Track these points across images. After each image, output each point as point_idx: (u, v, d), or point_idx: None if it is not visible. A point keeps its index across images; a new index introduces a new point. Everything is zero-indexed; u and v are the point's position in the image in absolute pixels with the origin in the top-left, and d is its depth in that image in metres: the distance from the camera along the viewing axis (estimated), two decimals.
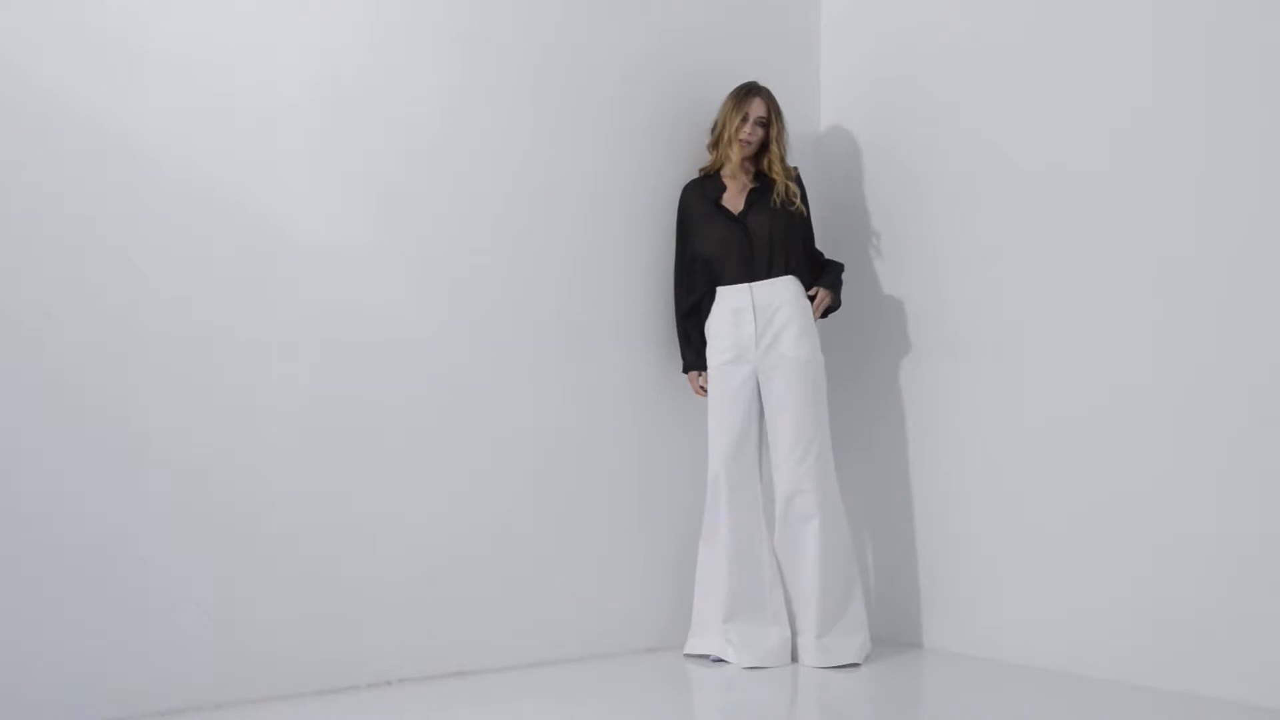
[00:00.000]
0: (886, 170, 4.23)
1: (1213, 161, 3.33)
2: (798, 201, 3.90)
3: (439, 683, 3.44)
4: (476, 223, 3.65)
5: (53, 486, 2.94)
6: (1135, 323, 3.49)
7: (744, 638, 3.73)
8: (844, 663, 3.72)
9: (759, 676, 3.63)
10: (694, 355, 3.93)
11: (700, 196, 3.95)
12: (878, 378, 4.21)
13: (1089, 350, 3.59)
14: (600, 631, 3.84)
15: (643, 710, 3.25)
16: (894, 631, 4.09)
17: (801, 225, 3.93)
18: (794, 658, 3.80)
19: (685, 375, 3.99)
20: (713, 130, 3.98)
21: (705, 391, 3.90)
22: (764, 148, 3.92)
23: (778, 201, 3.87)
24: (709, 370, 3.87)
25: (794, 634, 3.81)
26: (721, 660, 3.75)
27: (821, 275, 3.95)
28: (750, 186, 3.92)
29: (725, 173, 3.94)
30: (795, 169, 3.98)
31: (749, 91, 3.91)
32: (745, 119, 3.87)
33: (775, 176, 3.90)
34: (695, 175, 4.04)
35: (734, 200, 3.90)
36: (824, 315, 3.92)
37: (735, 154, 3.88)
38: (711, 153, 3.98)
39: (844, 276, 4.11)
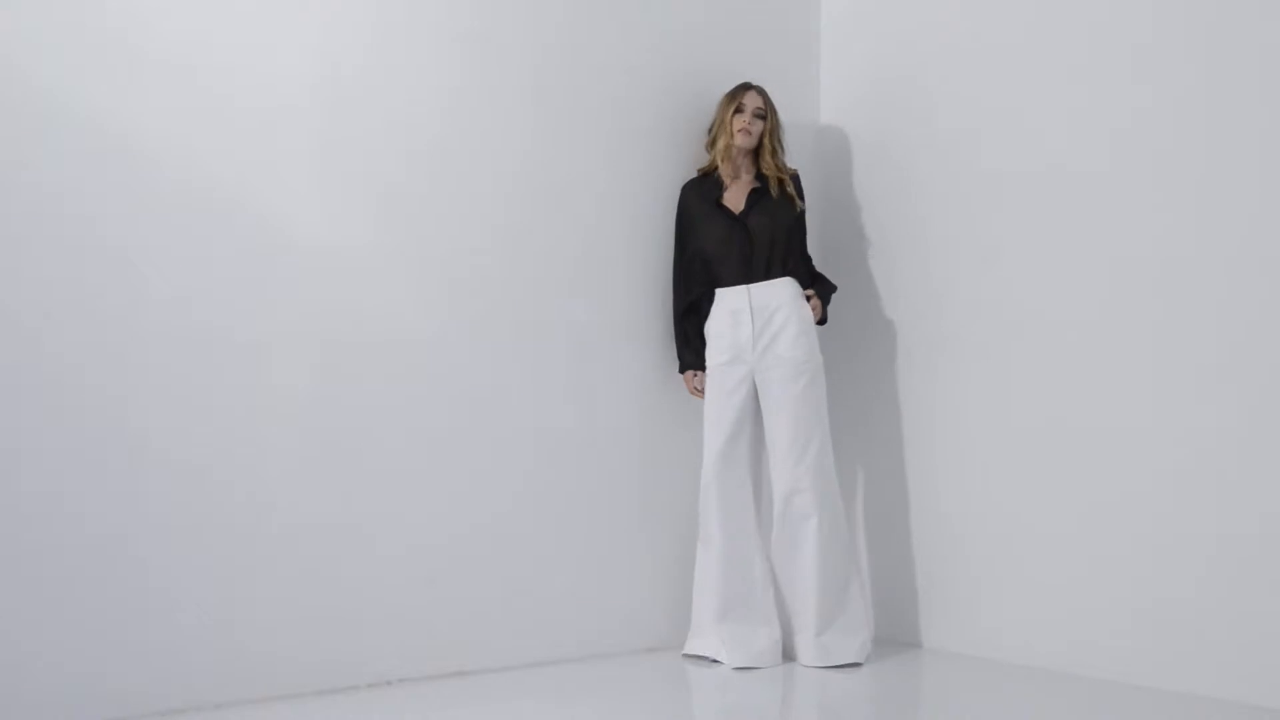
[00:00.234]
0: (887, 170, 4.23)
1: (1212, 162, 3.33)
2: (794, 194, 3.90)
3: (439, 683, 3.44)
4: (476, 223, 3.65)
5: (53, 486, 2.94)
6: (1135, 323, 3.49)
7: (735, 638, 3.73)
8: (844, 662, 3.72)
9: (759, 676, 3.63)
10: (692, 355, 3.93)
11: (700, 195, 3.95)
12: (877, 378, 4.21)
13: (1089, 350, 3.59)
14: (600, 631, 3.84)
15: (642, 710, 3.25)
16: (894, 631, 4.09)
17: (800, 226, 3.93)
18: (792, 658, 3.80)
19: (681, 375, 3.98)
20: (710, 130, 3.99)
21: (700, 392, 3.90)
22: (761, 144, 3.92)
23: (775, 194, 3.87)
24: (707, 371, 3.87)
25: (792, 634, 3.81)
26: (715, 661, 3.75)
27: (817, 285, 3.95)
28: (752, 186, 3.92)
29: (725, 172, 3.94)
30: (795, 171, 3.99)
31: (743, 87, 3.93)
32: (741, 110, 3.88)
33: (770, 171, 3.90)
34: (694, 175, 4.04)
35: (735, 200, 3.90)
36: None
37: (736, 144, 3.86)
38: (710, 152, 3.98)
39: (846, 276, 4.12)
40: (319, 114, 3.37)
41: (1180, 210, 3.40)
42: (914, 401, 4.10)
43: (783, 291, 3.83)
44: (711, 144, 3.96)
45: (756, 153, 3.94)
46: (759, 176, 3.94)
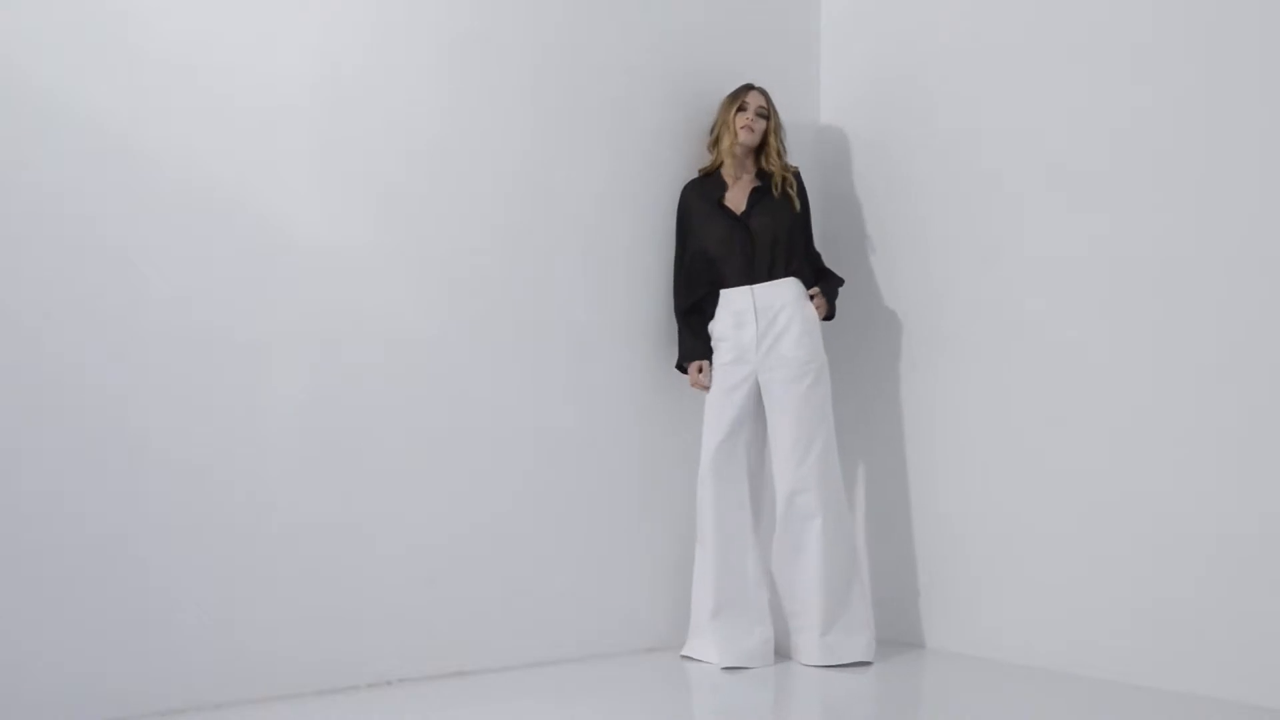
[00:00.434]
0: (887, 170, 4.23)
1: (1212, 162, 3.33)
2: (794, 194, 3.90)
3: (439, 683, 3.44)
4: (476, 223, 3.65)
5: (53, 486, 2.94)
6: (1135, 322, 3.49)
7: (727, 636, 3.73)
8: (849, 661, 3.72)
9: (760, 676, 3.63)
10: (702, 346, 3.87)
11: (701, 195, 3.95)
12: (877, 378, 4.21)
13: (1089, 350, 3.59)
14: (600, 631, 3.84)
15: (642, 710, 3.25)
16: (895, 632, 4.09)
17: (803, 224, 3.93)
18: (787, 656, 3.81)
19: (684, 371, 3.93)
20: (712, 130, 3.99)
21: (704, 385, 3.85)
22: (763, 143, 3.92)
23: (776, 192, 3.87)
24: (712, 368, 3.87)
25: (792, 633, 3.81)
26: (703, 660, 3.73)
27: (820, 282, 3.95)
28: (753, 186, 3.92)
29: (727, 172, 3.94)
30: (795, 169, 3.99)
31: (745, 87, 3.95)
32: (744, 108, 3.89)
33: (772, 170, 3.90)
34: (695, 175, 4.04)
35: (736, 200, 3.90)
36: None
37: (740, 142, 3.86)
38: (712, 152, 3.98)
39: (846, 275, 4.11)
40: (319, 114, 3.37)
41: (1180, 210, 3.40)
42: (914, 401, 4.10)
43: (786, 292, 3.82)
44: (714, 143, 3.97)
45: (758, 152, 3.94)
46: (760, 175, 3.94)
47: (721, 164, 3.95)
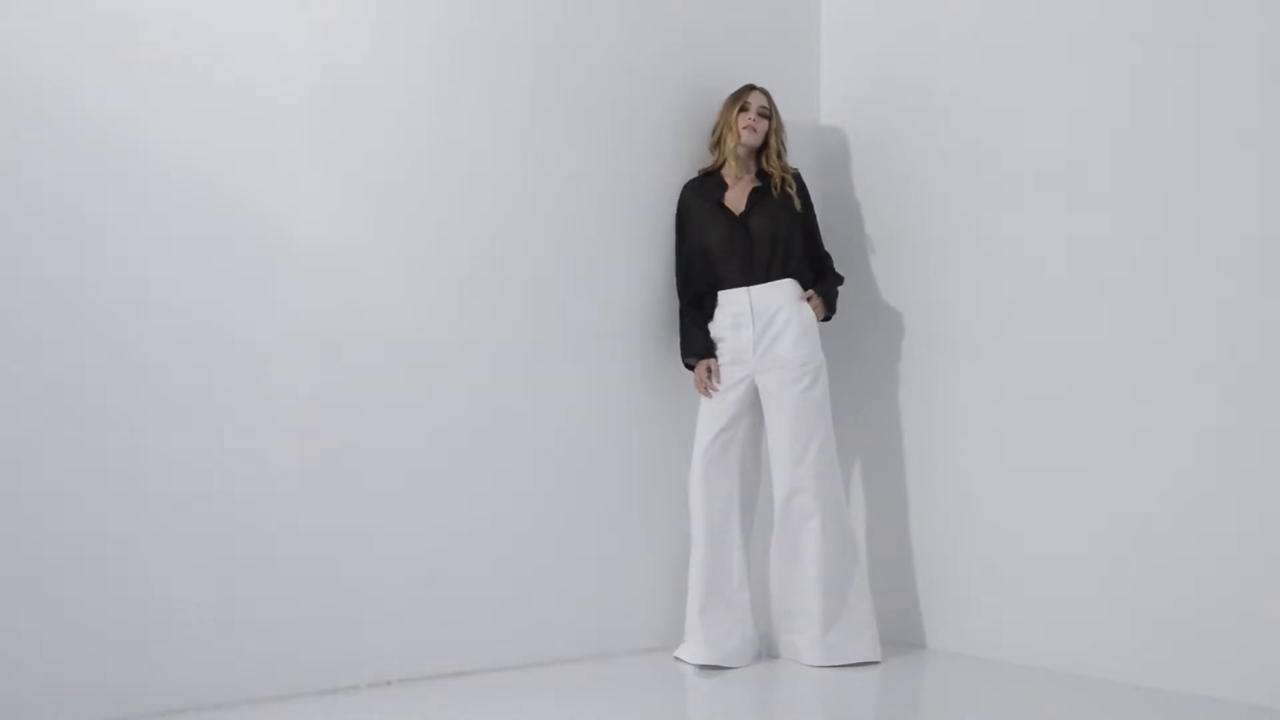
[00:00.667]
0: (886, 169, 4.23)
1: (1212, 162, 3.33)
2: (794, 194, 3.90)
3: (439, 683, 3.44)
4: (476, 223, 3.65)
5: (53, 486, 2.94)
6: (1135, 323, 3.49)
7: (708, 635, 3.72)
8: (855, 661, 3.72)
9: (760, 677, 3.63)
10: (705, 341, 3.85)
11: (701, 194, 3.94)
12: (877, 378, 4.20)
13: (1089, 350, 3.59)
14: (600, 631, 3.84)
15: (642, 711, 3.25)
16: (896, 632, 4.09)
17: (802, 226, 3.93)
18: (788, 656, 3.81)
19: (692, 370, 3.90)
20: (714, 131, 3.99)
21: (709, 386, 3.83)
22: (764, 144, 3.92)
23: (776, 193, 3.87)
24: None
25: (793, 633, 3.81)
26: (688, 661, 3.71)
27: (820, 282, 3.94)
28: (753, 186, 3.92)
29: (728, 172, 3.94)
30: (796, 170, 3.99)
31: (746, 88, 3.94)
32: (746, 108, 3.88)
33: (773, 170, 3.90)
34: (695, 175, 4.03)
35: (736, 200, 3.90)
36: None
37: (743, 142, 3.86)
38: (714, 153, 3.98)
39: (846, 275, 4.11)
40: (319, 114, 3.37)
41: (1180, 211, 3.40)
42: (914, 401, 4.10)
43: (784, 293, 3.82)
44: (716, 144, 3.96)
45: (760, 153, 3.94)
46: (760, 176, 3.94)
47: (723, 164, 3.94)
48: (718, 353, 3.85)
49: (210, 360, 3.17)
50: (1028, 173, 3.78)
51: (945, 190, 4.03)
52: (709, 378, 3.84)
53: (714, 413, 3.82)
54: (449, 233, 3.59)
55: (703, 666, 3.68)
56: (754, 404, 3.84)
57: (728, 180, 3.93)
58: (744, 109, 3.89)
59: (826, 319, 3.92)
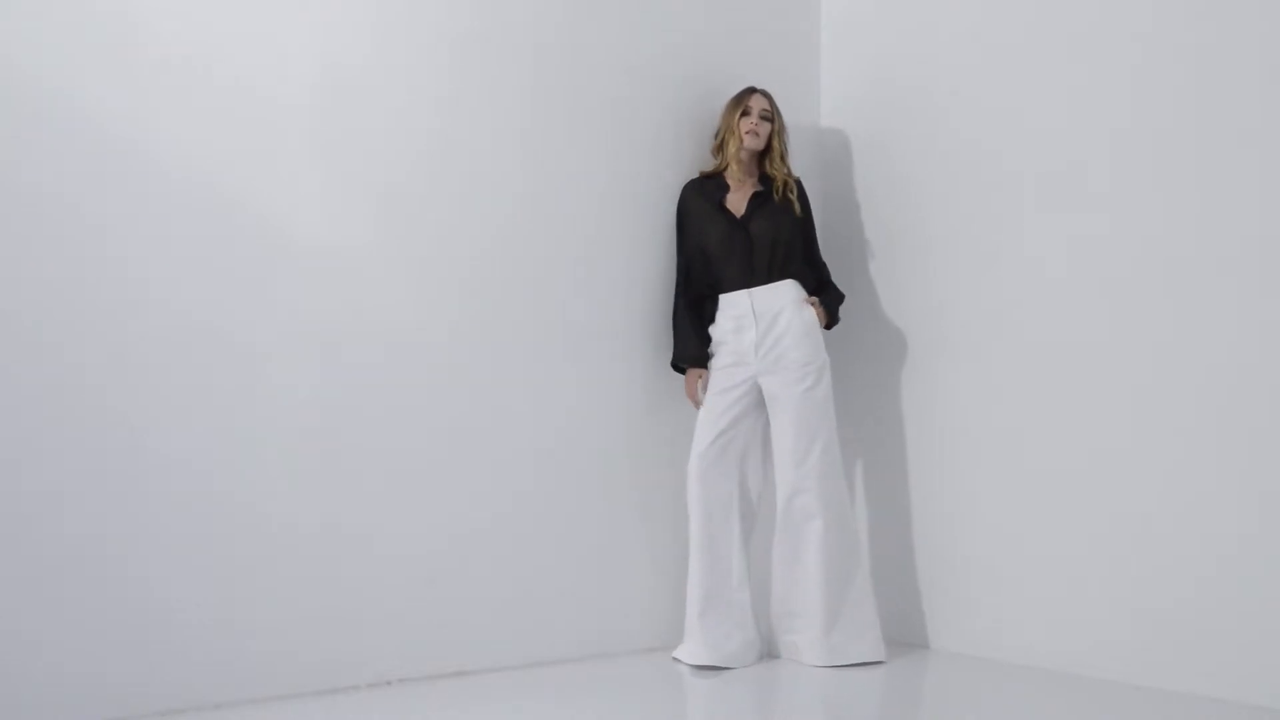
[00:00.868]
0: (887, 170, 4.23)
1: (1212, 162, 3.33)
2: (795, 199, 3.90)
3: (439, 683, 3.44)
4: (476, 223, 3.65)
5: (53, 486, 2.94)
6: (1136, 324, 3.49)
7: (708, 637, 3.71)
8: (859, 661, 3.72)
9: (761, 677, 3.63)
10: (699, 346, 3.86)
11: (701, 194, 3.94)
12: (878, 379, 4.20)
13: (1090, 352, 3.59)
14: (600, 631, 3.84)
15: (641, 710, 3.25)
16: (898, 632, 4.08)
17: (804, 231, 3.93)
18: (790, 656, 3.81)
19: (679, 370, 3.92)
20: (716, 135, 3.98)
21: (697, 398, 3.86)
22: (767, 147, 3.92)
23: (778, 197, 3.87)
24: (710, 373, 3.86)
25: (795, 633, 3.81)
26: (687, 662, 3.71)
27: (822, 292, 3.95)
28: (755, 190, 3.91)
29: (731, 175, 3.93)
30: (798, 179, 3.98)
31: (747, 90, 3.93)
32: (748, 112, 3.88)
33: (775, 173, 3.90)
34: (696, 175, 4.03)
35: (737, 203, 3.90)
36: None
37: (746, 147, 3.85)
38: (717, 157, 3.98)
39: (846, 275, 4.12)
40: (319, 114, 3.37)
41: (1180, 210, 3.40)
42: (915, 402, 4.10)
43: (785, 294, 3.82)
44: (719, 148, 3.95)
45: (762, 156, 3.94)
46: (763, 180, 3.93)
47: (726, 168, 3.94)
48: (720, 354, 3.85)
49: (210, 360, 3.17)
50: (1028, 173, 3.78)
51: (945, 190, 4.03)
52: (697, 384, 3.86)
53: (715, 415, 3.81)
54: (449, 233, 3.59)
55: (701, 667, 3.67)
56: (755, 406, 3.84)
57: (730, 183, 3.93)
58: (745, 113, 3.88)
59: (828, 327, 3.91)
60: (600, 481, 3.86)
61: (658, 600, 3.95)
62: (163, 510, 3.08)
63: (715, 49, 4.16)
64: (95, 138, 3.02)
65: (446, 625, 3.53)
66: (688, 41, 4.10)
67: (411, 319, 3.51)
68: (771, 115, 3.91)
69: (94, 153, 3.02)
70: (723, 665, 3.69)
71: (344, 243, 3.40)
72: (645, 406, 3.96)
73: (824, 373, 3.80)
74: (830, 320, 3.91)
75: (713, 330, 3.88)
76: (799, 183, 3.97)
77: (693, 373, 3.90)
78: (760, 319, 3.80)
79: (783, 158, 3.92)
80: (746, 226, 3.85)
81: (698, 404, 3.88)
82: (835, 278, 4.11)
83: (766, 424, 3.86)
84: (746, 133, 3.86)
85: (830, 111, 4.44)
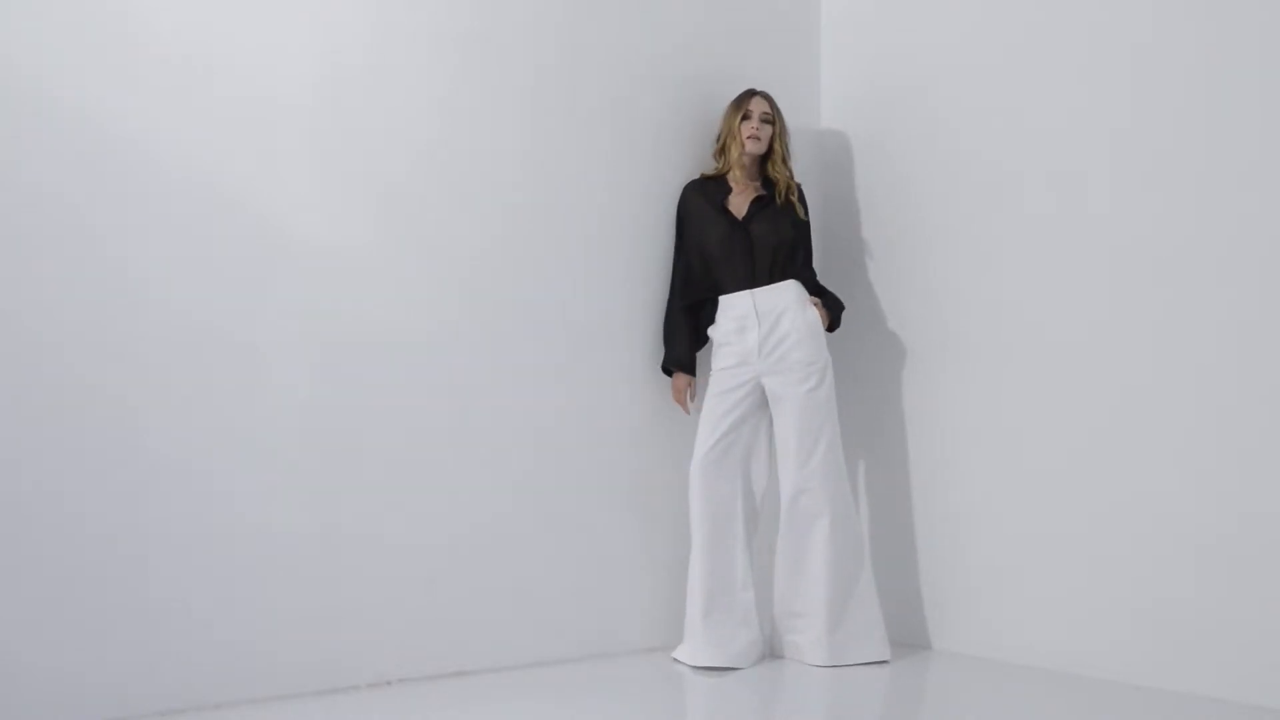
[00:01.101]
0: (887, 171, 4.23)
1: (1212, 162, 3.34)
2: (796, 202, 3.90)
3: (439, 683, 3.44)
4: (476, 223, 3.65)
5: (53, 486, 2.94)
6: (1135, 323, 3.49)
7: (713, 637, 3.71)
8: (863, 661, 3.73)
9: (762, 677, 3.63)
10: (689, 353, 3.87)
11: (702, 195, 3.94)
12: (879, 380, 4.20)
13: (1090, 353, 3.59)
14: (600, 631, 3.84)
15: (642, 711, 3.25)
16: (900, 633, 4.08)
17: (804, 235, 3.93)
18: (792, 656, 3.81)
19: (667, 374, 3.92)
20: (718, 139, 3.97)
21: (684, 400, 3.87)
22: (769, 149, 3.91)
23: (780, 200, 3.87)
24: (711, 373, 3.86)
25: (798, 632, 3.80)
26: (688, 663, 3.70)
27: (824, 295, 3.95)
28: (756, 193, 3.91)
29: (733, 178, 3.93)
30: (799, 186, 3.97)
31: (748, 93, 3.92)
32: (749, 116, 3.87)
33: (778, 176, 3.90)
34: (697, 175, 4.03)
35: (739, 205, 3.89)
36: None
37: (748, 151, 3.85)
38: (719, 160, 3.97)
39: (846, 275, 4.12)
40: (319, 114, 3.37)
41: (1180, 210, 3.40)
42: (917, 403, 4.10)
43: (787, 294, 3.82)
44: (720, 152, 3.95)
45: (764, 159, 3.93)
46: (765, 183, 3.93)
47: (728, 171, 3.94)
48: (722, 356, 3.84)
49: (210, 360, 3.17)
50: (1028, 173, 3.78)
51: (946, 191, 4.03)
52: (685, 391, 3.88)
53: (717, 416, 3.80)
54: (449, 233, 3.59)
55: (701, 668, 3.67)
56: (758, 406, 3.83)
57: (732, 185, 3.92)
58: (746, 116, 3.87)
59: (829, 330, 3.91)
60: (600, 482, 3.86)
61: (658, 600, 3.95)
62: (162, 510, 3.08)
63: (715, 50, 4.16)
64: (95, 138, 3.02)
65: (446, 625, 3.53)
66: (688, 42, 4.10)
67: (411, 319, 3.51)
68: (772, 117, 3.90)
69: (94, 153, 3.02)
70: (727, 666, 3.69)
71: (343, 243, 3.40)
72: (645, 406, 3.96)
73: (827, 373, 3.80)
74: (832, 323, 3.91)
75: (712, 332, 3.88)
76: (800, 188, 3.97)
77: (681, 377, 3.90)
78: (763, 319, 3.79)
79: (785, 160, 3.92)
80: (748, 228, 3.85)
81: (686, 408, 3.88)
82: (836, 279, 4.12)
83: (769, 424, 3.86)
84: (748, 137, 3.85)
85: (830, 112, 4.44)
